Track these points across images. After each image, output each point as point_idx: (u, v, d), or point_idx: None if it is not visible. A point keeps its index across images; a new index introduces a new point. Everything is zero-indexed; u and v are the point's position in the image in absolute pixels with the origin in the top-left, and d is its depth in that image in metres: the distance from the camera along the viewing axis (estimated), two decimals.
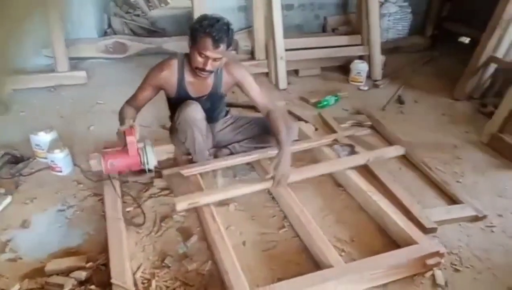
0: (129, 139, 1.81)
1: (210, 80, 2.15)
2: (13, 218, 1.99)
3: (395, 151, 2.48)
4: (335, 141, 2.60)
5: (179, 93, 2.13)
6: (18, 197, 2.15)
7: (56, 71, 3.50)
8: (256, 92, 2.20)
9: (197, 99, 2.15)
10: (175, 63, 2.08)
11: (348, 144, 2.60)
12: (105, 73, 3.85)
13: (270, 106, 2.20)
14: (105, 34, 4.38)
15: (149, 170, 1.85)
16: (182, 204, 1.92)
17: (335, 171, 2.33)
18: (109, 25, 4.57)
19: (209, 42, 1.89)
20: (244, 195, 2.13)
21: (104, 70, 3.92)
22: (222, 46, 1.92)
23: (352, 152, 2.56)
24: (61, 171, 2.32)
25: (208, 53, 1.92)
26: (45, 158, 2.36)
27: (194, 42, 1.95)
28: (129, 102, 2.13)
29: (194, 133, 2.12)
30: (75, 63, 3.85)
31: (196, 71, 2.01)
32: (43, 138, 2.38)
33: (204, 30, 1.89)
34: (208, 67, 1.96)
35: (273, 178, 2.04)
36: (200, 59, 1.95)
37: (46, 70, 3.65)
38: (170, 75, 2.08)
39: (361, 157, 2.40)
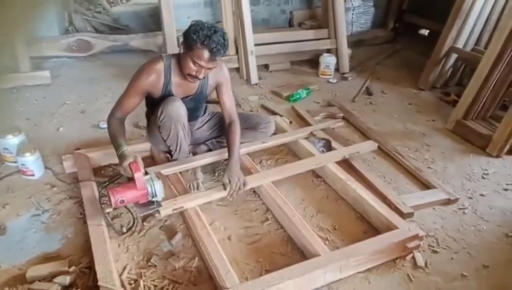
0: (137, 175, 1.72)
1: (196, 84, 2.12)
2: None
3: (370, 146, 2.55)
4: (311, 134, 2.64)
5: (164, 94, 2.09)
6: None
7: (18, 72, 3.34)
8: (228, 99, 2.21)
9: (182, 99, 2.12)
10: (161, 66, 2.03)
11: (324, 138, 2.65)
12: (69, 72, 3.71)
13: (234, 117, 2.21)
14: (66, 32, 4.23)
15: (157, 202, 1.81)
16: (166, 210, 1.88)
17: (315, 168, 2.36)
18: (70, 23, 4.41)
19: (206, 54, 1.86)
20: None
21: (69, 69, 3.78)
22: (218, 58, 1.91)
23: (328, 143, 2.61)
24: (33, 175, 2.23)
25: (203, 64, 1.89)
26: (15, 162, 2.26)
27: (189, 49, 1.89)
28: (114, 113, 2.05)
29: (177, 129, 2.09)
30: (38, 62, 3.70)
31: (187, 76, 1.98)
32: (11, 141, 2.29)
33: (202, 41, 1.84)
34: (201, 76, 1.95)
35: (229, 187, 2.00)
36: (193, 67, 1.92)
37: (7, 71, 3.48)
38: (157, 80, 2.03)
39: (339, 153, 2.43)
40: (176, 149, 2.19)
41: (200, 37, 1.83)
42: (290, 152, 2.57)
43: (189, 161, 2.25)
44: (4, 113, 2.96)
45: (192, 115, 2.27)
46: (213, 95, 2.28)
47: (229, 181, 1.98)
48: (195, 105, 2.25)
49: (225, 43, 1.90)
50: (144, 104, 2.27)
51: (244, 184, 2.02)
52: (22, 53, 3.34)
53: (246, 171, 2.23)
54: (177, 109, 2.05)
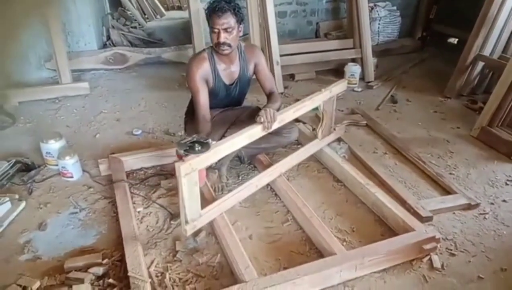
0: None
1: (237, 64, 2.29)
2: (29, 222, 2.09)
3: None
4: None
5: (216, 82, 2.26)
6: (32, 202, 2.24)
7: (60, 83, 3.60)
8: (266, 76, 2.40)
9: (230, 86, 2.31)
10: (205, 54, 2.23)
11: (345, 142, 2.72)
12: (106, 83, 3.95)
13: (274, 90, 2.41)
14: (104, 46, 4.50)
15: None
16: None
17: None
18: (108, 37, 4.69)
19: (213, 15, 2.06)
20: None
21: (106, 80, 4.03)
22: (226, 15, 2.05)
23: (350, 149, 2.68)
24: (71, 177, 2.42)
25: (216, 26, 2.07)
26: (56, 165, 2.46)
27: (208, 23, 2.12)
28: (198, 113, 2.19)
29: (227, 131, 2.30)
30: (78, 75, 3.97)
31: (217, 49, 2.15)
32: (53, 146, 2.49)
33: (208, 8, 2.09)
34: (222, 39, 2.09)
35: (261, 121, 2.01)
36: (214, 35, 2.11)
37: (49, 83, 3.77)
38: (206, 67, 2.21)
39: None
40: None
41: (208, 8, 2.09)
42: (312, 158, 2.64)
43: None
44: (47, 121, 3.20)
45: (239, 101, 2.48)
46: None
47: (261, 116, 2.01)
48: (240, 90, 2.39)
49: (230, 1, 2.07)
50: (173, 110, 2.41)
51: (274, 116, 2.05)
52: (63, 66, 3.59)
53: (262, 167, 2.39)
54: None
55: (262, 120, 2.00)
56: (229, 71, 2.29)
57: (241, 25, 2.16)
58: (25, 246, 1.93)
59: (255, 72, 2.39)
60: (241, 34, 2.19)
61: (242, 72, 2.32)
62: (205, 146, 1.76)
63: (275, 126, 2.08)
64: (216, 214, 2.00)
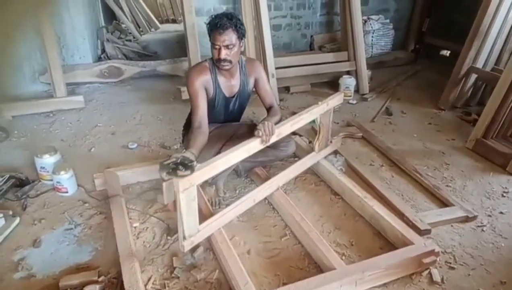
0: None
1: (238, 78, 2.29)
2: (23, 239, 2.05)
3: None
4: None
5: (216, 92, 2.25)
6: (26, 218, 2.20)
7: (55, 97, 3.58)
8: (267, 90, 2.39)
9: (229, 99, 2.31)
10: (206, 64, 2.23)
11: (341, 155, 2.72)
12: (101, 97, 3.94)
13: (274, 104, 2.40)
14: (99, 59, 4.50)
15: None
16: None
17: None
18: (103, 51, 4.69)
19: (214, 31, 2.06)
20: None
21: (101, 94, 4.01)
22: (227, 32, 2.05)
23: (346, 162, 2.68)
24: (66, 192, 2.39)
25: (217, 42, 2.07)
26: (50, 180, 2.43)
27: (209, 38, 2.12)
28: (194, 122, 2.14)
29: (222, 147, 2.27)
30: (72, 88, 3.95)
31: (218, 65, 2.15)
32: (48, 160, 2.46)
33: (209, 23, 2.09)
34: (223, 55, 2.08)
35: (260, 135, 2.00)
36: (215, 51, 2.11)
37: (44, 96, 3.74)
38: (207, 76, 2.21)
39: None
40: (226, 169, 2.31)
41: (210, 24, 2.08)
42: (309, 170, 2.64)
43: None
44: (41, 135, 3.17)
45: (237, 116, 2.47)
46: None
47: (259, 129, 2.00)
48: (240, 104, 2.40)
49: (232, 19, 2.07)
50: (169, 123, 2.40)
51: (273, 129, 2.04)
52: (58, 79, 3.57)
53: (260, 181, 2.38)
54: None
55: (260, 133, 1.99)
56: (229, 84, 2.29)
57: (242, 41, 2.16)
58: (19, 263, 1.89)
59: (255, 87, 2.39)
60: (242, 49, 2.20)
61: (242, 87, 2.33)
62: (189, 168, 1.69)
63: (273, 139, 2.07)
64: (214, 229, 1.97)
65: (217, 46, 2.08)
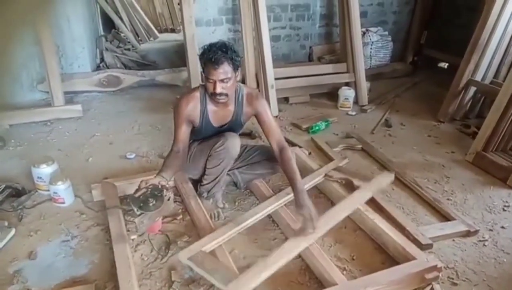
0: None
1: (231, 108, 2.22)
2: (19, 250, 2.01)
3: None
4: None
5: (202, 122, 2.20)
6: (22, 229, 2.16)
7: (52, 106, 3.55)
8: (272, 127, 2.21)
9: (219, 128, 2.25)
10: (197, 94, 2.16)
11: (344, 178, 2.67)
12: (99, 106, 3.92)
13: (283, 143, 2.19)
14: (98, 68, 4.49)
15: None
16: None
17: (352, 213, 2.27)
18: (102, 59, 4.68)
19: (209, 65, 1.99)
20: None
21: (99, 103, 3.99)
22: (222, 66, 1.97)
23: (350, 183, 2.64)
24: (63, 203, 2.35)
25: (213, 77, 2.00)
26: (47, 190, 2.39)
27: (203, 70, 2.07)
28: (172, 147, 2.15)
29: (227, 164, 2.23)
30: (70, 97, 3.93)
31: (214, 98, 2.08)
32: (45, 170, 2.42)
33: (204, 56, 2.01)
34: (218, 90, 2.01)
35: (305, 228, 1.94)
36: (209, 85, 2.04)
37: (41, 105, 3.72)
38: (194, 106, 2.15)
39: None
40: (213, 181, 2.28)
41: (204, 57, 2.01)
42: (317, 191, 2.60)
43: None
44: (38, 144, 3.13)
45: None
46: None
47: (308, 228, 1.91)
48: (230, 131, 2.31)
49: (227, 51, 1.98)
50: (167, 133, 2.38)
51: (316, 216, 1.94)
52: (56, 88, 3.55)
53: (259, 193, 2.37)
54: (236, 146, 2.20)
55: (310, 230, 1.91)
56: (221, 114, 2.22)
57: (238, 71, 2.08)
58: (14, 276, 1.84)
59: (258, 122, 2.25)
60: (238, 78, 2.12)
61: (235, 117, 2.24)
62: (158, 199, 1.72)
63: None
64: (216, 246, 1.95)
65: (211, 81, 2.01)
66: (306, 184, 2.37)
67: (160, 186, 1.85)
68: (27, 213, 2.29)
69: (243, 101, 2.22)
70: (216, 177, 2.28)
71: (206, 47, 2.04)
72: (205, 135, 2.30)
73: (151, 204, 1.70)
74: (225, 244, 1.98)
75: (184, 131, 2.15)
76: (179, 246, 2.05)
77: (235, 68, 2.04)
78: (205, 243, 1.91)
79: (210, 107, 2.18)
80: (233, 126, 2.29)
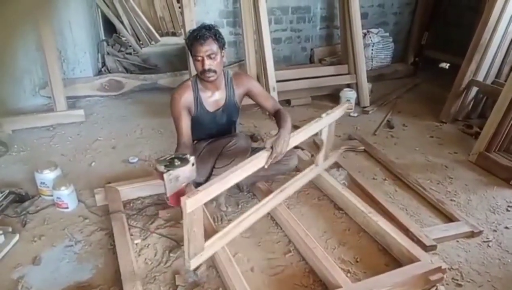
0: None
1: (223, 92, 2.29)
2: (23, 256, 2.01)
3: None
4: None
5: (198, 110, 2.25)
6: (26, 235, 2.17)
7: (55, 111, 3.56)
8: (265, 97, 2.38)
9: (214, 113, 2.29)
10: (189, 84, 2.24)
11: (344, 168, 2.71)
12: (102, 110, 3.93)
13: (278, 106, 2.38)
14: (99, 72, 4.50)
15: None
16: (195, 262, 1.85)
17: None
18: (103, 64, 4.69)
19: (195, 43, 2.08)
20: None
21: (101, 107, 4.00)
22: (208, 42, 2.07)
23: (349, 176, 2.67)
24: (67, 208, 2.36)
25: (199, 53, 2.08)
26: (51, 195, 2.40)
27: (190, 52, 2.15)
28: (179, 144, 2.18)
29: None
30: (73, 102, 3.94)
31: (203, 77, 2.14)
32: (48, 175, 2.43)
33: (189, 37, 2.12)
34: (206, 66, 2.09)
35: (270, 151, 2.02)
36: (198, 63, 2.12)
37: (44, 110, 3.73)
38: (189, 96, 2.22)
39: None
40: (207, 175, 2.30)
41: (189, 37, 2.12)
42: (312, 185, 2.62)
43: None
44: (41, 149, 3.14)
45: (228, 129, 2.44)
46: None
47: (272, 147, 2.00)
48: (228, 118, 2.37)
49: (211, 29, 2.09)
50: (170, 137, 2.39)
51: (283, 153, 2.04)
52: (58, 93, 3.57)
53: (262, 195, 2.36)
54: (248, 146, 2.29)
55: (273, 152, 1.99)
56: (213, 99, 2.28)
57: (223, 50, 2.17)
58: (18, 282, 1.85)
59: (251, 98, 2.38)
60: (224, 59, 2.20)
61: (228, 100, 2.31)
62: (184, 161, 1.75)
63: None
64: (220, 246, 1.94)
65: (199, 58, 2.09)
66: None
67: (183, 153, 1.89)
68: (31, 218, 2.30)
69: (232, 83, 2.31)
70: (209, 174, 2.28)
71: (191, 30, 2.14)
72: (203, 124, 2.32)
73: (176, 164, 1.71)
74: (228, 247, 1.98)
75: (186, 122, 2.20)
76: (182, 250, 2.05)
77: (221, 46, 2.13)
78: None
79: (203, 93, 2.25)
80: (228, 109, 2.34)
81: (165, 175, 1.75)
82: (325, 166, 2.63)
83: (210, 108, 2.29)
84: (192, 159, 1.85)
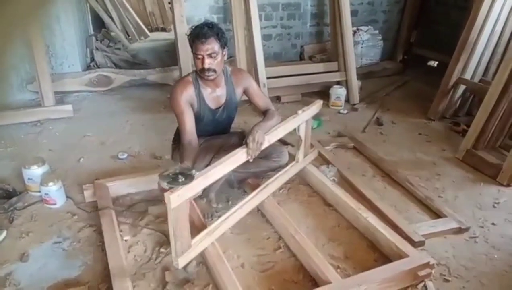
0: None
1: (224, 89, 2.27)
2: (10, 253, 1.99)
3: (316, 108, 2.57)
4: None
5: (200, 106, 2.22)
6: (13, 231, 2.14)
7: (43, 106, 3.51)
8: (260, 95, 2.39)
9: (216, 110, 2.27)
10: (190, 78, 2.20)
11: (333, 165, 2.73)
12: (90, 106, 3.88)
13: (271, 106, 2.39)
14: (88, 68, 4.44)
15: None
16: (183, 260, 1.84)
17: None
18: (92, 59, 4.63)
19: (197, 41, 2.04)
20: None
21: (89, 103, 3.96)
22: (209, 40, 2.03)
23: (338, 172, 2.69)
24: (55, 204, 2.33)
25: (200, 52, 2.04)
26: (38, 191, 2.37)
27: (191, 49, 2.10)
28: (183, 141, 2.12)
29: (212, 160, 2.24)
30: (61, 97, 3.88)
31: (203, 75, 2.11)
32: (36, 171, 2.40)
33: (191, 34, 2.08)
34: (206, 65, 2.05)
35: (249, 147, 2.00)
36: (198, 61, 2.08)
37: (32, 105, 3.68)
38: (191, 90, 2.18)
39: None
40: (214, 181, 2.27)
41: (191, 34, 2.07)
42: (302, 181, 2.63)
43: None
44: (29, 145, 3.10)
45: (226, 127, 2.44)
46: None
47: (249, 142, 2.00)
48: (228, 115, 2.36)
49: (213, 28, 2.06)
50: (159, 133, 2.37)
51: (262, 143, 2.04)
52: (46, 88, 3.51)
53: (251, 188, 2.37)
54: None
55: (249, 148, 1.98)
56: (215, 96, 2.26)
57: (225, 49, 2.13)
58: (6, 279, 1.83)
59: (247, 96, 2.37)
60: (225, 58, 2.17)
61: (229, 97, 2.30)
62: (188, 177, 1.70)
63: (264, 146, 2.06)
64: (209, 243, 1.94)
65: (200, 56, 2.06)
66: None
67: (189, 167, 1.83)
68: (18, 214, 2.27)
69: (232, 80, 2.30)
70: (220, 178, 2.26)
71: (193, 26, 2.10)
72: (206, 122, 2.30)
73: (180, 180, 1.68)
74: (218, 243, 1.98)
75: (189, 117, 2.14)
76: None
77: (222, 45, 2.09)
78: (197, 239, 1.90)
79: (204, 90, 2.22)
80: (229, 107, 2.33)
81: (166, 194, 1.73)
82: (305, 162, 2.63)
83: (212, 105, 2.26)
84: (197, 175, 1.80)
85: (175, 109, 2.15)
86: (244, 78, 2.34)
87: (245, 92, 2.35)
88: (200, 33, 2.02)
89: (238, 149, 1.99)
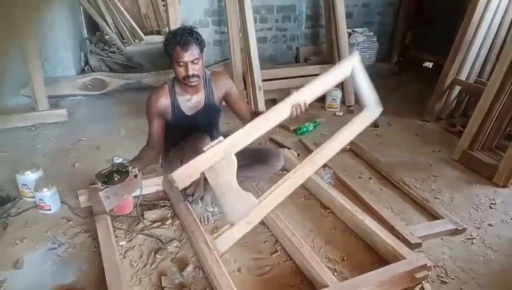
0: None
1: (202, 93, 2.24)
2: (4, 260, 1.96)
3: None
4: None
5: (175, 114, 2.21)
6: (7, 238, 2.12)
7: (37, 110, 3.49)
8: (243, 102, 2.42)
9: (193, 116, 2.24)
10: (165, 87, 2.20)
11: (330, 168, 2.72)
12: (85, 110, 3.87)
13: (250, 113, 2.36)
14: (82, 71, 4.43)
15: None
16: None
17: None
18: (86, 62, 4.62)
19: (178, 49, 2.01)
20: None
21: (84, 107, 3.94)
22: (191, 47, 2.01)
23: (335, 175, 2.68)
24: (49, 210, 2.31)
25: (184, 59, 2.02)
26: (32, 197, 2.35)
27: (170, 57, 2.08)
28: (148, 142, 2.24)
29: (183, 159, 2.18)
30: (55, 101, 3.86)
31: (185, 82, 2.09)
32: (30, 177, 2.38)
33: (170, 41, 2.03)
34: (191, 71, 2.04)
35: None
36: (181, 69, 2.05)
37: (25, 110, 3.65)
38: (165, 100, 2.18)
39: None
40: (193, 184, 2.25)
41: (169, 40, 2.04)
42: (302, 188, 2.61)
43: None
44: (23, 150, 3.08)
45: (207, 132, 2.34)
46: None
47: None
48: (209, 119, 2.33)
49: (192, 33, 2.04)
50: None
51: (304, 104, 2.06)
52: (40, 92, 3.49)
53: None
54: (205, 140, 2.14)
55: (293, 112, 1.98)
56: (192, 102, 2.24)
57: (203, 53, 2.12)
58: (0, 286, 1.80)
59: (227, 102, 2.35)
60: (204, 61, 2.16)
61: (207, 101, 2.27)
62: (123, 174, 1.73)
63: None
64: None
65: (182, 64, 2.03)
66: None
67: (126, 164, 1.86)
68: (12, 221, 2.25)
69: (211, 84, 2.27)
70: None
71: (170, 34, 2.08)
72: (182, 127, 2.26)
73: (115, 179, 1.68)
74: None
75: (157, 125, 2.21)
76: (168, 251, 2.03)
77: (201, 50, 2.09)
78: None
79: (180, 97, 2.21)
80: (208, 111, 2.29)
81: (100, 193, 1.74)
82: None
83: (188, 111, 2.24)
84: (134, 171, 1.80)
85: (147, 115, 2.23)
86: (224, 82, 2.32)
87: (226, 97, 2.33)
88: (182, 41, 1.99)
89: (281, 103, 1.96)
